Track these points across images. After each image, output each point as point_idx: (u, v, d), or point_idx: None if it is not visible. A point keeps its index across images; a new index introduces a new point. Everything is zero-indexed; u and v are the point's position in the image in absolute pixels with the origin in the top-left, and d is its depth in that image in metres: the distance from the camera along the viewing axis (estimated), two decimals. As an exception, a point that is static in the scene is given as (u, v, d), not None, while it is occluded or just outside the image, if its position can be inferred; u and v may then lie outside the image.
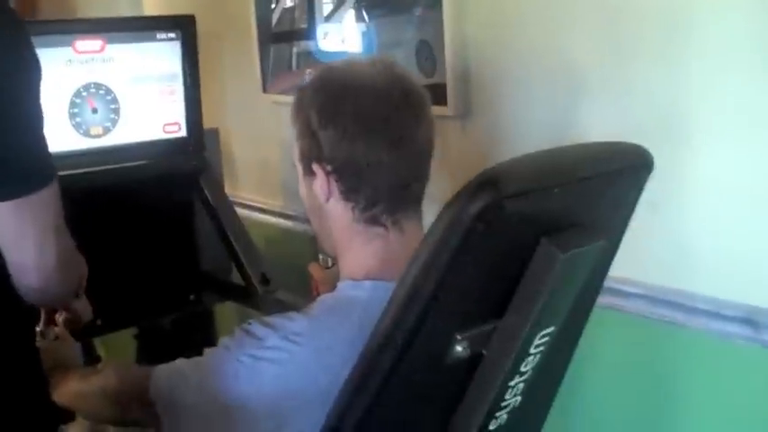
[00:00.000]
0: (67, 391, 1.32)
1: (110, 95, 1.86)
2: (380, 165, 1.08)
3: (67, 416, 1.39)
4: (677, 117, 1.40)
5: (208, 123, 2.06)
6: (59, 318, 1.47)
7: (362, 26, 1.90)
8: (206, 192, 2.02)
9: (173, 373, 1.14)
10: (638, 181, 1.03)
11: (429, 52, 1.74)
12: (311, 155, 1.11)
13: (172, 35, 1.92)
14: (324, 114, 1.09)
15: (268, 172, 2.36)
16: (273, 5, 2.16)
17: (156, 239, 1.97)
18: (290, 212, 2.27)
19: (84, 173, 1.81)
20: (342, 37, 1.96)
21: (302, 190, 1.17)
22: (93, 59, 1.82)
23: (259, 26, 2.21)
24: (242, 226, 2.04)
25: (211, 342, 1.13)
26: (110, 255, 1.78)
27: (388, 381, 0.89)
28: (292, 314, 1.09)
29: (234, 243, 1.99)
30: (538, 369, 1.00)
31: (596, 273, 1.05)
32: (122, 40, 1.87)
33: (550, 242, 0.87)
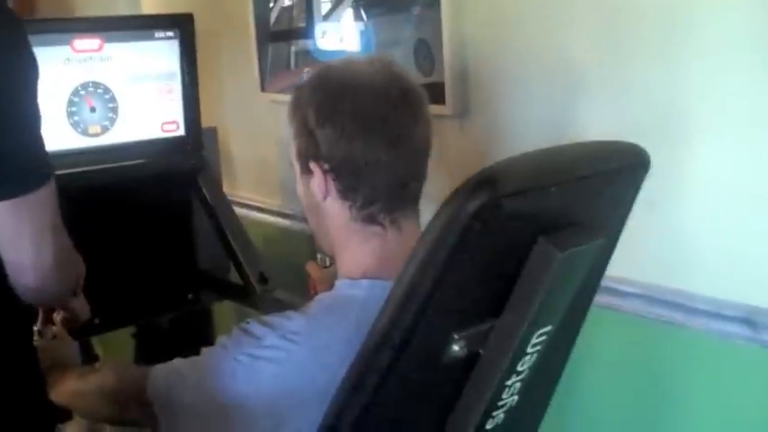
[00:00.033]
0: (65, 389, 1.32)
1: (108, 94, 1.86)
2: (378, 163, 1.08)
3: (65, 415, 1.39)
4: (676, 116, 1.40)
5: (206, 122, 2.05)
6: (57, 317, 1.47)
7: (361, 25, 1.90)
8: (204, 191, 2.02)
9: (170, 372, 1.14)
10: (636, 180, 1.04)
11: (427, 51, 1.74)
12: (308, 153, 1.11)
13: (170, 34, 1.92)
14: (321, 113, 1.09)
15: (266, 171, 2.36)
16: (272, 4, 2.16)
17: (154, 238, 1.97)
18: (288, 211, 2.26)
19: (83, 172, 1.80)
20: (340, 36, 1.96)
21: (299, 188, 1.17)
22: (91, 58, 1.82)
23: (257, 25, 2.21)
24: (240, 225, 2.04)
25: (209, 341, 1.13)
26: (108, 254, 1.78)
27: (385, 379, 0.89)
28: (290, 313, 1.09)
29: (232, 242, 1.99)
30: (535, 368, 1.00)
31: (594, 272, 1.05)
32: (120, 39, 1.86)
33: (548, 241, 0.87)
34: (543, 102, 1.58)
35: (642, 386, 1.53)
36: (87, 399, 1.31)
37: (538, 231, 0.88)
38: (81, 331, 1.55)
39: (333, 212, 1.13)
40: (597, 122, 1.50)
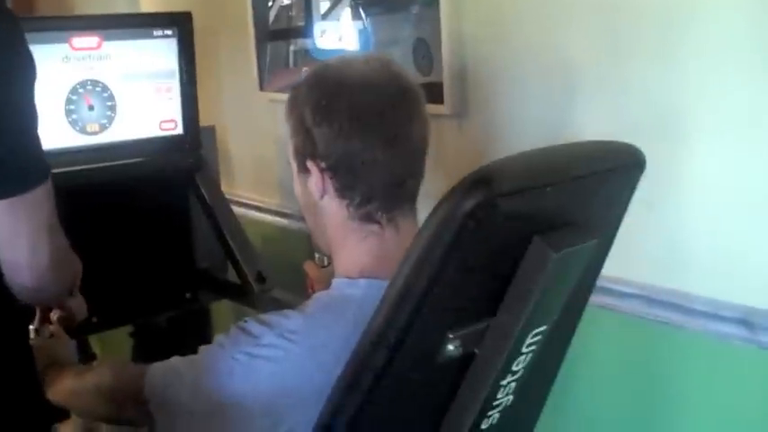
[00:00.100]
0: (62, 388, 1.32)
1: (106, 92, 1.85)
2: (375, 162, 1.08)
3: (62, 414, 1.39)
4: (673, 116, 1.40)
5: (204, 121, 2.05)
6: (54, 316, 1.46)
7: (359, 24, 1.90)
8: (202, 189, 2.02)
9: (167, 370, 1.14)
10: (631, 180, 1.04)
11: (426, 50, 1.74)
12: (305, 152, 1.11)
13: (168, 32, 1.92)
14: (318, 111, 1.09)
15: (264, 170, 2.36)
16: (270, 3, 2.16)
17: (152, 237, 1.97)
18: (286, 211, 2.26)
19: (81, 170, 1.81)
20: (339, 35, 1.96)
21: (297, 187, 1.17)
22: (89, 56, 1.82)
23: (256, 24, 2.20)
24: (238, 224, 2.04)
25: (207, 340, 1.13)
26: (106, 252, 1.78)
27: (380, 379, 0.89)
28: (288, 312, 1.09)
29: (230, 241, 1.99)
30: (530, 368, 1.00)
31: (589, 272, 1.05)
32: (119, 37, 1.86)
33: (543, 241, 0.87)
34: (541, 101, 1.58)
35: (639, 387, 1.53)
36: (84, 397, 1.30)
37: (533, 231, 0.88)
38: (79, 330, 1.54)
39: (330, 211, 1.13)
40: (595, 122, 1.50)
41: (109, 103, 1.86)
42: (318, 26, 2.02)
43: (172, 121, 1.96)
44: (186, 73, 1.95)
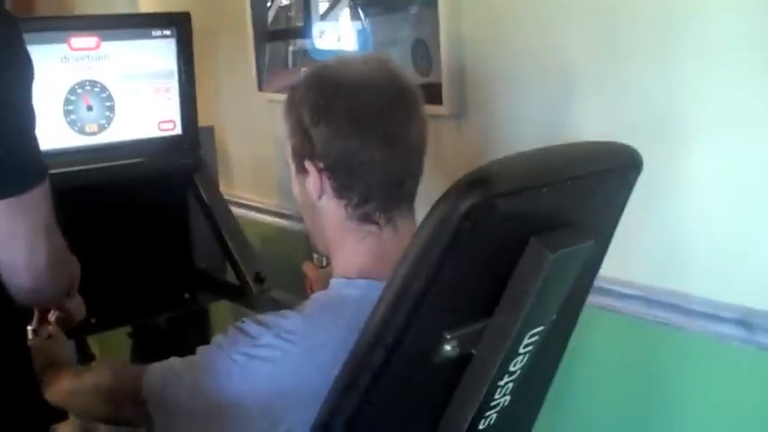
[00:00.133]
0: (60, 389, 1.32)
1: (105, 93, 1.85)
2: (373, 162, 1.08)
3: (60, 415, 1.39)
4: (672, 117, 1.39)
5: (203, 121, 2.05)
6: (52, 317, 1.46)
7: (358, 24, 1.89)
8: (201, 190, 2.02)
9: (166, 371, 1.14)
10: (628, 181, 1.04)
11: (425, 51, 1.74)
12: (303, 152, 1.11)
13: (167, 32, 1.92)
14: (316, 112, 1.09)
15: (263, 170, 2.36)
16: (269, 3, 2.16)
17: (150, 237, 1.97)
18: (285, 211, 2.26)
19: (79, 170, 1.81)
20: (338, 35, 1.96)
21: (295, 188, 1.17)
22: (88, 56, 1.82)
23: (255, 24, 2.20)
24: (237, 224, 2.04)
25: (206, 341, 1.13)
26: (104, 252, 1.78)
27: (377, 379, 0.89)
28: (286, 312, 1.09)
29: (229, 242, 1.99)
30: (527, 369, 1.00)
31: (586, 272, 1.05)
32: (117, 38, 1.86)
33: (540, 241, 0.87)
34: (540, 102, 1.58)
35: (638, 387, 1.53)
36: (82, 397, 1.30)
37: (530, 232, 0.88)
38: (77, 330, 1.55)
39: (328, 211, 1.13)
40: (594, 123, 1.50)
41: (107, 104, 1.86)
42: (317, 26, 2.01)
43: (170, 121, 1.96)
44: (185, 73, 1.95)
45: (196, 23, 1.94)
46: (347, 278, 1.11)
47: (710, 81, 1.34)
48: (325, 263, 1.39)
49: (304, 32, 2.06)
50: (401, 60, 1.74)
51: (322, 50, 2.00)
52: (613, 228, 1.08)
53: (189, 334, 2.12)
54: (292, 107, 1.12)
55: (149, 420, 1.13)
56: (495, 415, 1.02)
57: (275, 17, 2.16)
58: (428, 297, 0.85)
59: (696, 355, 1.43)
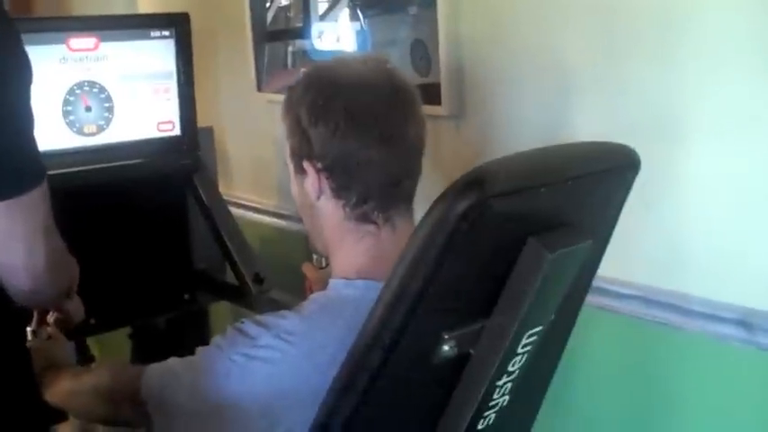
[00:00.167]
0: (59, 390, 1.32)
1: (103, 93, 1.85)
2: (371, 162, 1.08)
3: (59, 416, 1.39)
4: (671, 117, 1.39)
5: (202, 122, 2.05)
6: (51, 318, 1.46)
7: (357, 25, 1.89)
8: (200, 191, 2.02)
9: (165, 371, 1.14)
10: (625, 181, 1.04)
11: (424, 51, 1.74)
12: (302, 152, 1.11)
13: (166, 33, 1.91)
14: (314, 112, 1.09)
15: (262, 171, 2.36)
16: (268, 4, 2.16)
17: (150, 238, 1.97)
18: (284, 212, 2.26)
19: (78, 171, 1.80)
20: (337, 36, 1.96)
21: (293, 188, 1.17)
22: (86, 57, 1.82)
23: (254, 24, 2.20)
24: (236, 225, 2.04)
25: (205, 342, 1.13)
26: (104, 254, 1.78)
27: (375, 380, 0.89)
28: (285, 312, 1.09)
29: (228, 242, 1.99)
30: (526, 368, 1.00)
31: (585, 272, 1.05)
32: (116, 38, 1.86)
33: (538, 242, 0.87)
34: (539, 103, 1.58)
35: (638, 387, 1.53)
36: (82, 398, 1.30)
37: (527, 232, 0.88)
38: (77, 332, 1.55)
39: (326, 211, 1.13)
40: (593, 123, 1.50)
41: (106, 105, 1.86)
42: (316, 27, 2.01)
43: (169, 122, 1.96)
44: (184, 74, 1.95)
45: (195, 24, 1.94)
46: (346, 279, 1.11)
47: (709, 81, 1.34)
48: (324, 263, 1.39)
49: (303, 33, 2.06)
50: (400, 61, 1.74)
51: (321, 51, 2.00)
52: (612, 228, 1.08)
53: (188, 335, 2.12)
54: (290, 107, 1.12)
55: (149, 421, 1.13)
56: (493, 415, 1.02)
57: (274, 18, 2.16)
58: (426, 297, 0.85)
59: (695, 355, 1.43)
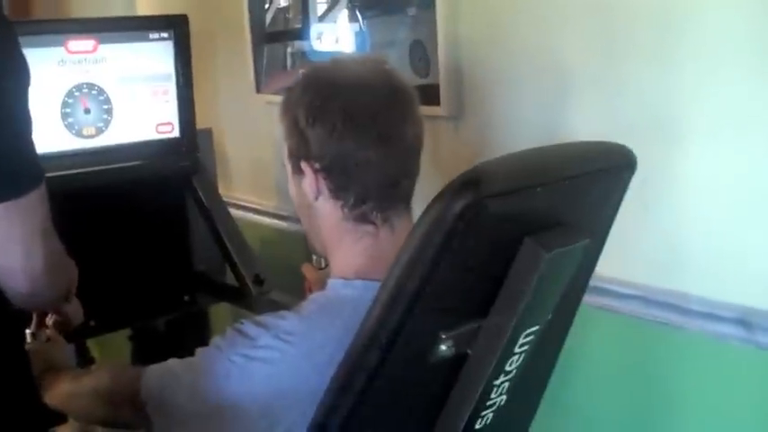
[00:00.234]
0: (59, 392, 1.32)
1: (102, 96, 1.85)
2: (369, 163, 1.08)
3: (58, 418, 1.39)
4: (669, 117, 1.40)
5: (201, 123, 2.05)
6: (50, 320, 1.46)
7: (356, 26, 1.90)
8: (199, 192, 2.02)
9: (164, 372, 1.14)
10: (622, 180, 1.04)
11: (423, 52, 1.74)
12: (299, 153, 1.11)
13: (164, 35, 1.92)
14: (311, 113, 1.09)
15: (262, 172, 2.36)
16: (267, 5, 2.16)
17: (149, 240, 1.97)
18: (283, 213, 2.26)
19: (77, 173, 1.80)
20: (336, 37, 1.96)
21: (292, 189, 1.18)
22: (85, 59, 1.82)
23: (252, 26, 2.20)
24: (236, 227, 2.04)
25: (205, 343, 1.13)
26: (103, 256, 1.78)
27: (372, 380, 0.89)
28: (284, 313, 1.09)
29: (227, 244, 1.99)
30: (523, 368, 1.00)
31: (582, 272, 1.05)
32: (115, 40, 1.86)
33: (534, 241, 0.87)
34: (537, 103, 1.58)
35: (637, 387, 1.53)
36: (81, 400, 1.30)
37: (524, 232, 0.88)
38: (77, 334, 1.55)
39: (325, 212, 1.13)
40: (591, 123, 1.50)
41: (105, 107, 1.86)
42: (315, 28, 2.02)
43: (168, 123, 1.96)
44: (183, 76, 1.95)
45: (194, 26, 1.94)
46: (344, 279, 1.11)
47: (707, 82, 1.34)
48: (323, 264, 1.39)
49: (302, 34, 2.06)
50: (399, 62, 1.75)
51: (320, 52, 2.00)
52: (608, 227, 1.08)
53: (188, 336, 2.12)
54: (288, 108, 1.13)
55: (148, 422, 1.13)
56: (491, 414, 1.02)
57: (273, 19, 2.16)
58: (423, 297, 0.85)
59: (694, 354, 1.43)
